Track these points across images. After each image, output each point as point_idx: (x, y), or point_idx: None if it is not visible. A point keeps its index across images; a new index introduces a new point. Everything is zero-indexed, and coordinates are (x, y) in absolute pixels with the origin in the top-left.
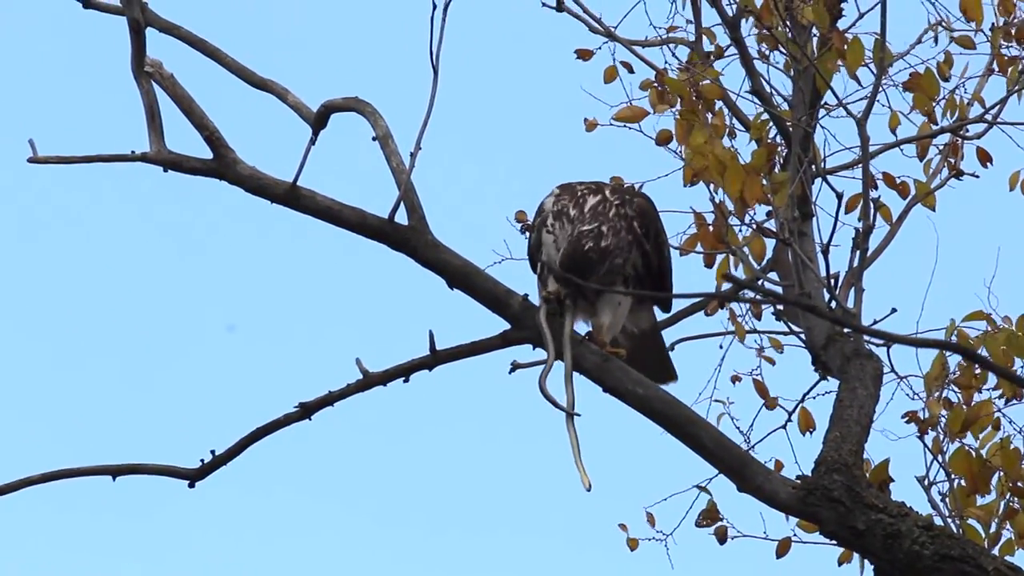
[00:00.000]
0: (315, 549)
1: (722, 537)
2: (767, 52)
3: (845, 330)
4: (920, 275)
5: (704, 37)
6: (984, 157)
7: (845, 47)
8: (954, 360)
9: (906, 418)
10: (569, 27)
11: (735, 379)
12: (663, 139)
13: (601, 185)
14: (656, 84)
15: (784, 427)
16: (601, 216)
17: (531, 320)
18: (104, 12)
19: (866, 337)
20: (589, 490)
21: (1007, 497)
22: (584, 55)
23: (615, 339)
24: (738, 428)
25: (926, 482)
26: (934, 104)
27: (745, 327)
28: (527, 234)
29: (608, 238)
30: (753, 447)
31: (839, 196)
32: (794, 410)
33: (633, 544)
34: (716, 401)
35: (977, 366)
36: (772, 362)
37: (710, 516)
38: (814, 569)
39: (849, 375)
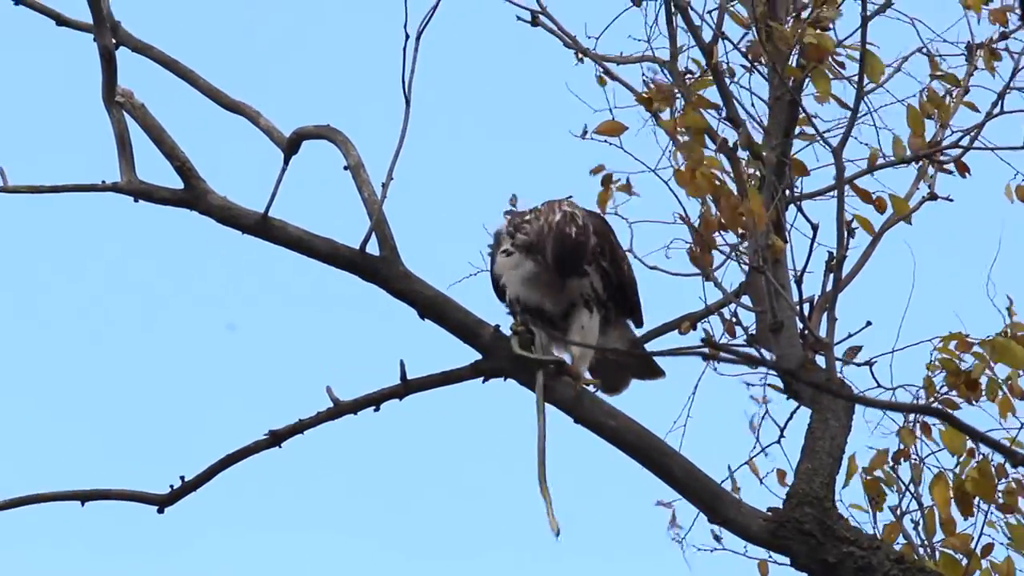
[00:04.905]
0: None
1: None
2: (749, 65)
3: (817, 358)
4: (898, 290)
5: (681, 56)
6: (962, 168)
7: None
8: (938, 380)
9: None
10: (542, 47)
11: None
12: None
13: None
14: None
15: (779, 441)
16: (562, 206)
17: (503, 351)
18: (76, 30)
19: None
20: (558, 535)
21: (983, 528)
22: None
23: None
24: (756, 438)
25: (899, 511)
26: (919, 136)
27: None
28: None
29: (581, 219)
30: (765, 450)
31: (814, 227)
32: (784, 426)
33: None
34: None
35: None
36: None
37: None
38: None
39: (821, 405)
